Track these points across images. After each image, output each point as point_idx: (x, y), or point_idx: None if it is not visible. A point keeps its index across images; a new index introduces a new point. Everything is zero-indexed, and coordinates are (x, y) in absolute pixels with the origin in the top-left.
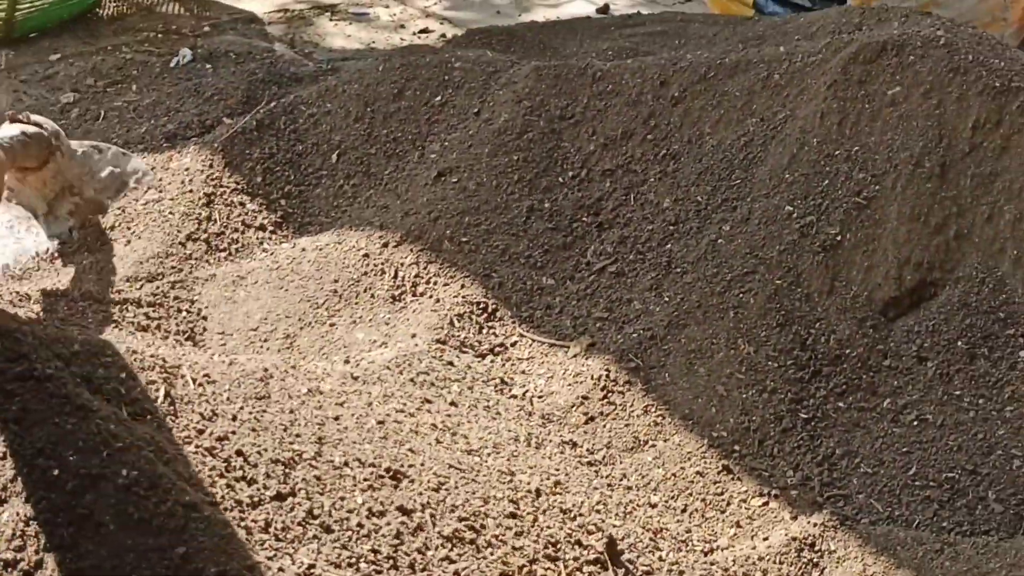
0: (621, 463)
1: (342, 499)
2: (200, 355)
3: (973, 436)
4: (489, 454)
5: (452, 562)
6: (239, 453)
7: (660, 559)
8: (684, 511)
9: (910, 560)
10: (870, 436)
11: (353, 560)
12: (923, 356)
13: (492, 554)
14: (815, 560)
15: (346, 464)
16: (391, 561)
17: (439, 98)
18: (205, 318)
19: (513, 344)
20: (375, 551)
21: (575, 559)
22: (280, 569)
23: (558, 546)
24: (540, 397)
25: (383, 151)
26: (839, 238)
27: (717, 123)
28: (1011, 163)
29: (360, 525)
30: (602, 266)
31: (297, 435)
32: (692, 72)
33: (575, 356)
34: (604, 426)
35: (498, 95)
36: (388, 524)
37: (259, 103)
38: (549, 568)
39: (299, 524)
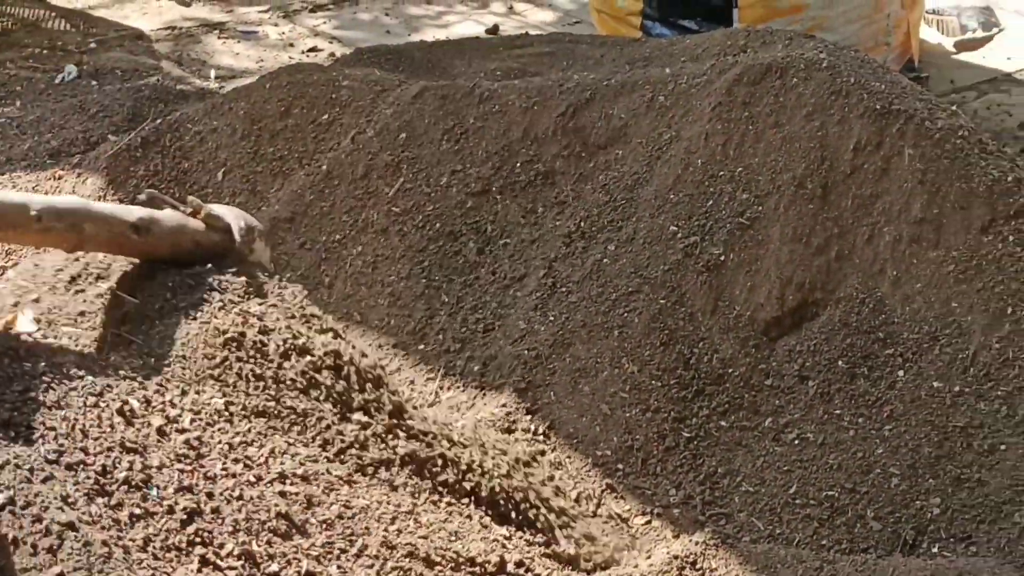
0: None
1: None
2: None
3: (853, 455)
4: None
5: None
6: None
7: None
8: None
9: None
10: (752, 455)
11: None
12: (804, 375)
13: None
14: None
15: None
16: None
17: (326, 116)
18: None
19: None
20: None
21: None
22: None
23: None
24: None
25: (269, 169)
26: (722, 258)
27: (603, 144)
28: (891, 185)
29: None
30: (487, 285)
31: None
32: (579, 93)
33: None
34: None
35: (385, 114)
36: None
37: (145, 120)
38: None
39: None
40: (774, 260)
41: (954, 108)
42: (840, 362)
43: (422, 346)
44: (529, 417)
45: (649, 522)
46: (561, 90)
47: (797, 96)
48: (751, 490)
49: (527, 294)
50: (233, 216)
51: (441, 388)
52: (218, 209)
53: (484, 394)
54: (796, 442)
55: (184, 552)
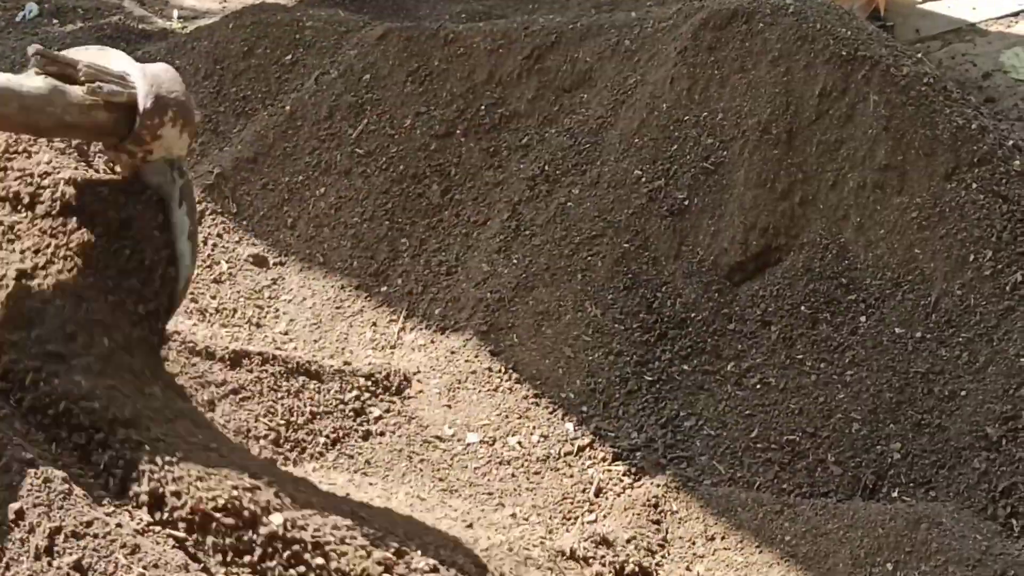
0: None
1: None
2: None
3: (814, 399)
4: None
5: None
6: None
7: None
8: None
9: (750, 521)
10: (714, 399)
11: None
12: (767, 320)
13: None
14: (657, 519)
15: None
16: None
17: (290, 57)
18: None
19: None
20: None
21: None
22: (118, 524)
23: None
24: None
25: (232, 109)
26: (687, 203)
27: (568, 87)
28: (856, 131)
29: None
30: (451, 228)
31: None
32: (544, 36)
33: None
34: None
35: (349, 55)
36: None
37: None
38: None
39: None
40: (738, 205)
41: (919, 56)
42: (803, 307)
43: (384, 288)
44: (491, 358)
45: (611, 465)
46: (526, 33)
47: (763, 41)
48: (713, 434)
49: (490, 237)
50: (146, 86)
51: (403, 330)
52: (132, 71)
53: (446, 336)
54: (758, 386)
55: None
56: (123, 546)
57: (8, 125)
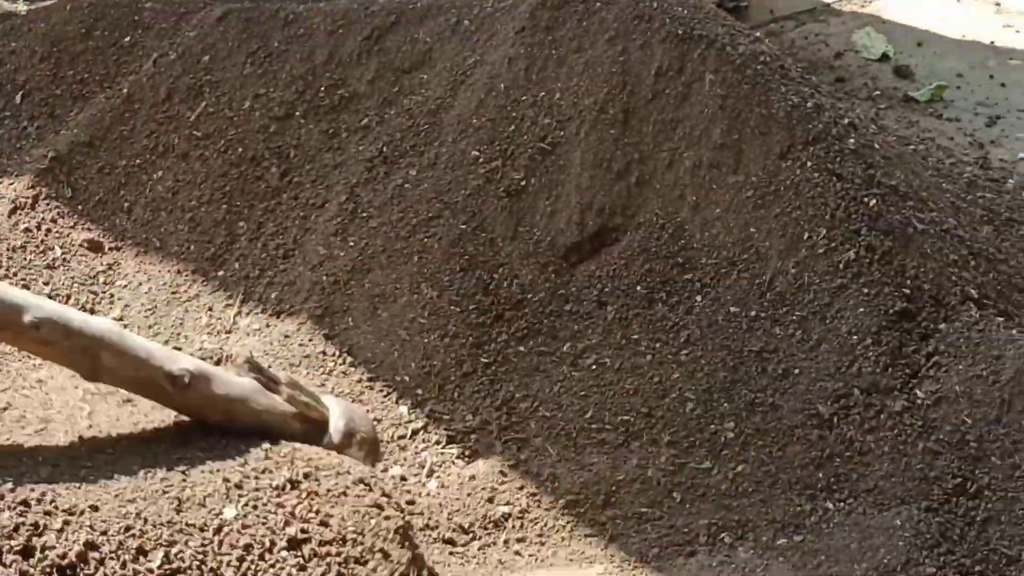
0: None
1: None
2: None
3: (649, 379)
4: None
5: None
6: None
7: None
8: None
9: (582, 504)
10: (549, 380)
11: None
12: (603, 301)
13: None
14: (490, 498)
15: None
16: None
17: (128, 39)
18: None
19: None
20: None
21: None
22: None
23: None
24: None
25: (70, 92)
26: (523, 183)
27: (407, 68)
28: (692, 110)
29: None
30: (289, 211)
31: None
32: (384, 17)
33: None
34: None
35: (188, 37)
36: None
37: None
38: None
39: None
40: (575, 185)
41: (756, 34)
42: (639, 287)
43: (221, 272)
44: (326, 342)
45: (445, 447)
46: (366, 13)
47: (600, 20)
48: (548, 415)
49: (328, 219)
50: (340, 413)
51: (239, 314)
52: (328, 400)
53: (281, 320)
54: (594, 367)
55: None
56: None
57: (211, 409)
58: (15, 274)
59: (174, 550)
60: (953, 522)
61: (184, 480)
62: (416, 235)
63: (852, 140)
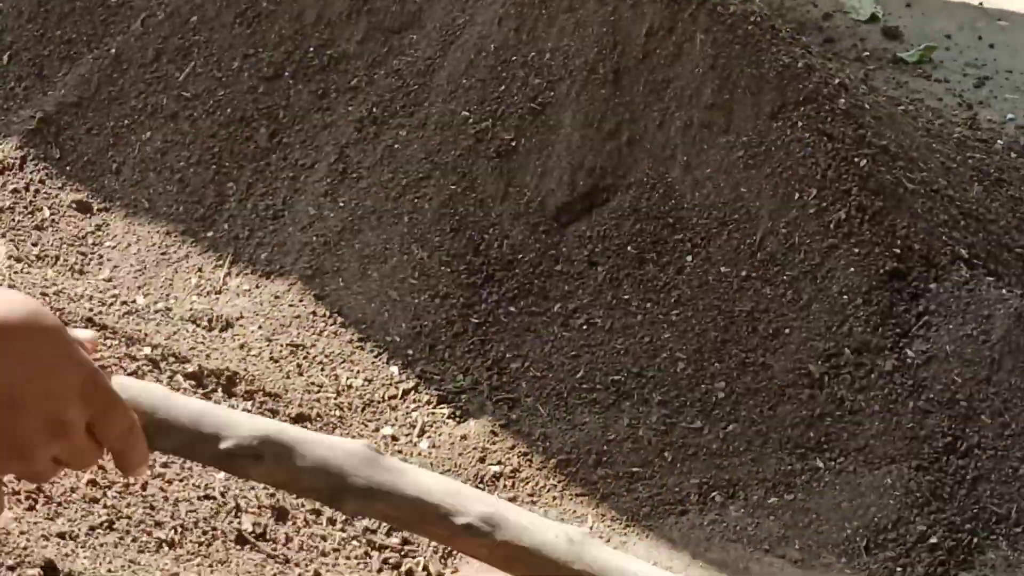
0: None
1: None
2: None
3: (640, 339)
4: None
5: None
6: None
7: None
8: None
9: (573, 463)
10: (540, 340)
11: None
12: (594, 261)
13: None
14: (482, 457)
15: None
16: None
17: None
18: None
19: None
20: None
21: None
22: None
23: None
24: None
25: (57, 52)
26: (514, 144)
27: (397, 28)
28: (682, 70)
29: None
30: (278, 172)
31: None
32: None
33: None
34: None
35: None
36: None
37: None
38: None
39: None
40: (565, 145)
41: None
42: (630, 247)
43: (211, 233)
44: (316, 302)
45: (436, 407)
46: None
47: None
48: (538, 375)
49: (317, 180)
50: None
51: (229, 275)
52: None
53: (271, 281)
54: (584, 327)
55: None
56: None
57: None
58: (3, 235)
59: None
60: (943, 480)
61: None
62: (406, 196)
63: (843, 100)
